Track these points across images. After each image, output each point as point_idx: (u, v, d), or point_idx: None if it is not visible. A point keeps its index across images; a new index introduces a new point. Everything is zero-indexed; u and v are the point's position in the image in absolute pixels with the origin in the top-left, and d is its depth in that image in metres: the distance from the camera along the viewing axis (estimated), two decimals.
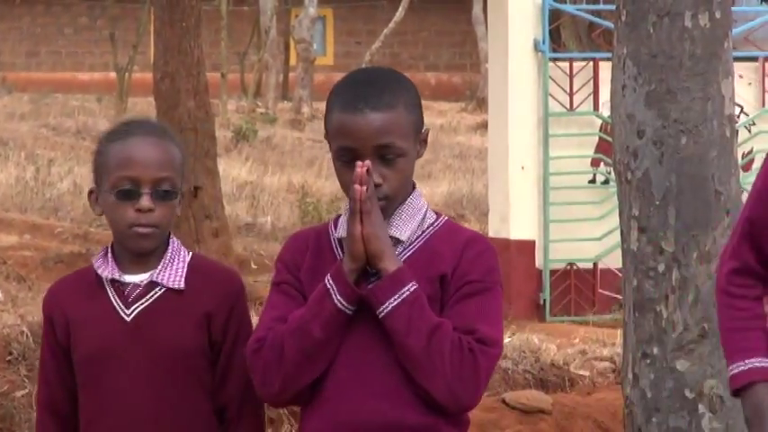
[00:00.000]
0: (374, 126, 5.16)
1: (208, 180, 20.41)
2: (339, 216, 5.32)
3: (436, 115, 43.55)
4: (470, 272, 5.10)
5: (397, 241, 5.19)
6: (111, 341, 5.34)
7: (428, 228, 5.22)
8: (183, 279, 5.39)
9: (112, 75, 45.70)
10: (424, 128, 5.30)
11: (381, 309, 5.03)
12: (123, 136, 5.46)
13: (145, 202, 5.29)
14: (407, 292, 5.02)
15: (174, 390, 5.33)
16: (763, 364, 5.16)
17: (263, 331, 5.23)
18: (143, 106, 33.74)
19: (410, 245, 5.19)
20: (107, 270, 5.39)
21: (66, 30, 57.46)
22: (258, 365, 5.22)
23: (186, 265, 5.43)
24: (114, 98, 43.63)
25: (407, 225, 5.18)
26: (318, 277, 5.16)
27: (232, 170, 27.62)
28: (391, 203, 5.19)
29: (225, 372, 5.36)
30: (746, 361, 5.18)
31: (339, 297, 5.07)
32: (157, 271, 5.38)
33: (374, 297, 5.03)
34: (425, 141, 5.29)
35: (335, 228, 5.28)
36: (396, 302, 5.03)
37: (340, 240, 5.23)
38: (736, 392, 5.20)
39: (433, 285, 5.09)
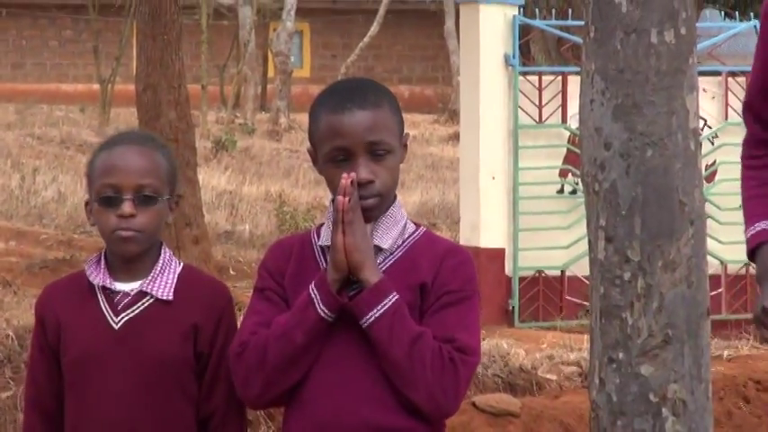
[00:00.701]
0: (364, 123, 5.20)
1: (188, 189, 20.40)
2: (322, 224, 5.35)
3: (409, 126, 43.24)
4: (450, 282, 5.13)
5: (378, 249, 5.21)
6: (98, 347, 5.36)
7: (408, 237, 5.24)
8: (172, 290, 5.40)
9: (96, 86, 45.76)
10: (405, 132, 5.31)
11: (364, 320, 5.05)
12: (109, 146, 5.50)
13: (126, 207, 5.30)
14: (389, 303, 5.04)
15: (157, 398, 5.34)
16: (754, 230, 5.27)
17: (245, 335, 5.25)
18: (125, 117, 33.82)
19: (391, 254, 5.20)
20: (98, 277, 5.40)
21: (50, 42, 57.57)
22: (240, 368, 5.25)
23: (176, 277, 5.44)
24: (97, 109, 43.68)
25: (389, 234, 5.20)
26: (302, 284, 5.18)
27: (212, 179, 27.69)
28: (383, 201, 5.24)
29: (212, 383, 5.37)
30: (756, 225, 5.28)
31: (322, 306, 5.09)
32: (147, 281, 5.40)
33: (357, 308, 5.06)
34: (406, 146, 5.32)
35: (318, 236, 5.30)
36: (378, 313, 5.04)
37: (323, 248, 5.25)
38: (752, 255, 5.40)
39: (413, 293, 5.11)
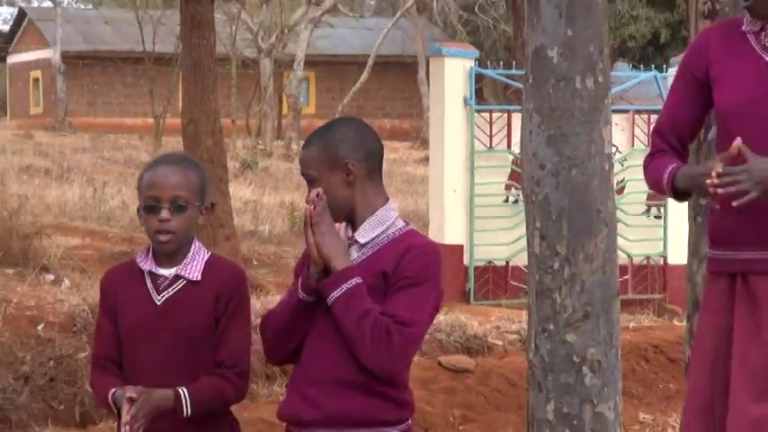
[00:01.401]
0: (300, 159, 5.31)
1: (221, 199, 20.36)
2: None
3: (390, 151, 43.38)
4: (405, 270, 5.05)
5: (358, 243, 5.19)
6: (144, 319, 5.34)
7: (392, 234, 5.19)
8: (200, 273, 5.38)
9: (151, 120, 45.63)
10: (372, 158, 5.29)
11: (328, 299, 5.04)
12: (153, 166, 5.50)
13: (163, 214, 5.32)
14: (348, 286, 5.02)
15: (189, 359, 5.30)
16: (676, 164, 5.13)
17: (267, 313, 5.34)
18: (173, 144, 33.68)
19: (371, 247, 5.17)
20: (146, 264, 5.39)
21: (116, 86, 57.40)
22: (261, 335, 5.29)
23: (204, 263, 5.42)
24: (152, 137, 43.56)
25: (371, 233, 5.15)
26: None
27: (239, 191, 27.56)
28: (339, 211, 5.20)
29: (222, 336, 5.33)
30: (668, 168, 5.17)
31: (300, 290, 5.10)
32: (182, 267, 5.38)
33: (322, 291, 5.05)
34: (376, 170, 5.27)
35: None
36: (337, 294, 5.02)
37: None
38: (676, 193, 5.18)
39: (377, 279, 5.05)
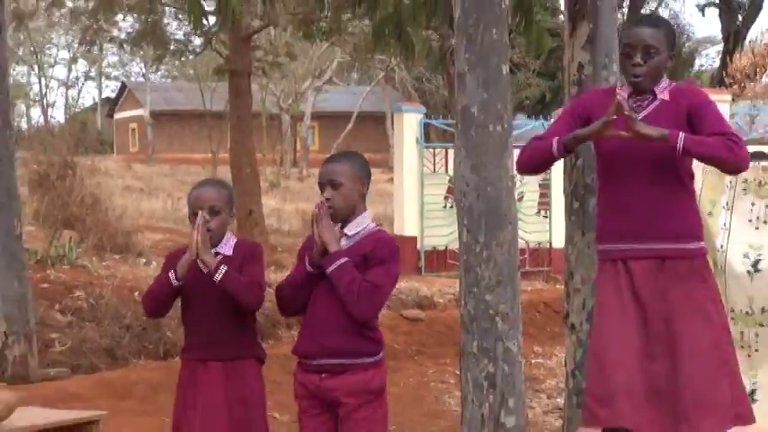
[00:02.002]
0: (329, 169, 5.20)
1: (256, 207, 20.33)
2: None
3: None
4: (378, 253, 5.07)
5: (346, 236, 5.17)
6: (197, 282, 5.31)
7: (368, 231, 5.18)
8: (231, 249, 5.36)
9: (209, 155, 45.54)
10: (365, 179, 5.26)
11: (327, 271, 5.05)
12: (196, 186, 5.51)
13: (205, 215, 5.30)
14: (341, 262, 5.03)
15: (226, 302, 5.30)
16: (555, 139, 5.09)
17: (283, 281, 5.31)
18: (224, 171, 33.63)
19: (353, 239, 5.15)
20: (194, 233, 5.34)
21: (186, 133, 57.29)
22: (276, 297, 5.31)
23: (234, 244, 5.40)
24: (210, 167, 43.50)
25: (354, 229, 5.15)
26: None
27: (268, 201, 27.50)
28: (338, 212, 5.15)
29: (245, 271, 5.31)
30: (554, 140, 5.11)
31: (308, 265, 5.10)
32: (219, 247, 5.35)
33: (323, 265, 5.05)
34: (364, 185, 5.24)
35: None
36: (333, 268, 5.03)
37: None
38: (562, 148, 5.08)
39: (359, 259, 5.04)
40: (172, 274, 5.34)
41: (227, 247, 5.42)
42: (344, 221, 5.22)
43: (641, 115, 5.04)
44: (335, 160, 5.27)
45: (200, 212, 5.31)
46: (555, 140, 5.12)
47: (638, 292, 5.00)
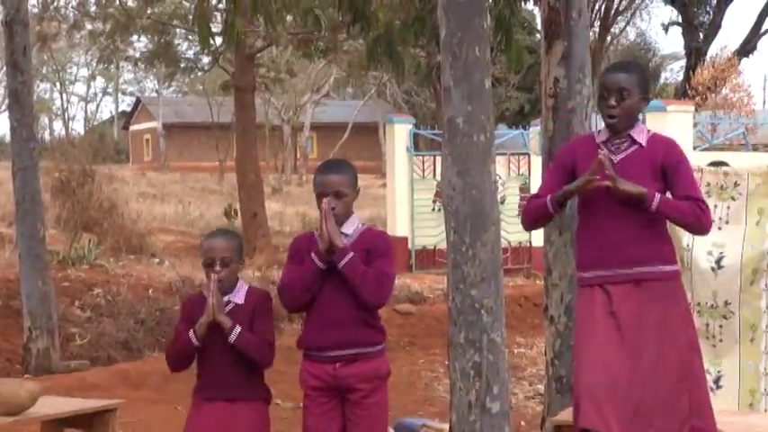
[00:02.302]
0: (333, 180, 5.13)
1: (260, 211, 20.32)
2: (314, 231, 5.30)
3: (363, 180, 43.25)
4: (378, 247, 5.07)
5: (345, 235, 5.14)
6: (209, 330, 5.15)
7: (360, 229, 5.16)
8: (243, 298, 5.23)
9: (217, 163, 45.51)
10: (358, 186, 5.26)
11: (339, 265, 5.00)
12: (208, 237, 5.34)
13: (217, 268, 5.16)
14: (350, 256, 5.00)
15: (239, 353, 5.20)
16: (548, 198, 5.20)
17: (285, 279, 5.22)
18: (230, 179, 33.62)
19: (352, 236, 5.12)
20: (210, 297, 5.17)
21: (195, 143, 57.25)
22: (282, 295, 5.21)
23: (245, 292, 5.28)
24: (218, 174, 43.46)
25: (349, 228, 5.12)
26: (308, 253, 5.15)
27: (271, 205, 27.46)
28: (339, 218, 5.10)
29: (256, 329, 5.15)
30: (548, 197, 5.21)
31: (316, 260, 5.05)
32: (231, 295, 5.22)
33: (335, 259, 5.00)
34: (357, 193, 5.25)
35: (317, 233, 5.23)
36: (345, 261, 4.99)
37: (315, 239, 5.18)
38: (558, 205, 5.20)
39: (364, 254, 5.02)
40: (192, 336, 5.17)
41: (239, 295, 5.27)
42: (339, 225, 5.19)
43: (619, 157, 5.08)
44: (337, 171, 5.21)
45: (213, 276, 5.16)
46: (548, 199, 5.20)
47: (615, 310, 5.01)
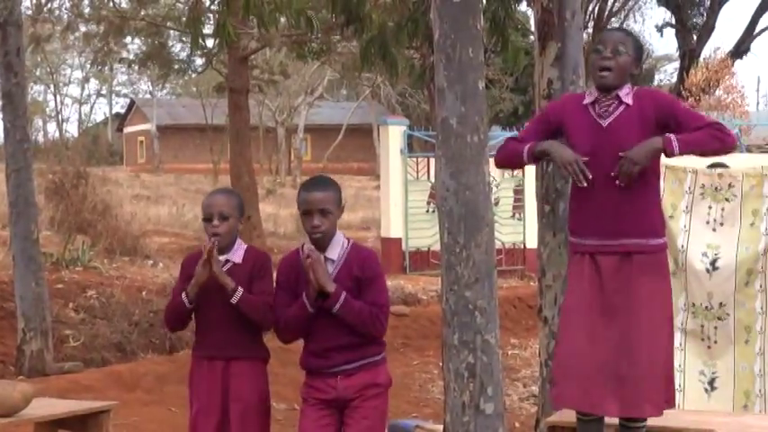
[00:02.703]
0: (318, 198, 5.10)
1: (254, 213, 20.29)
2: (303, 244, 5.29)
3: (356, 182, 43.47)
4: (367, 274, 5.07)
5: (331, 260, 5.11)
6: (207, 289, 5.27)
7: (345, 250, 5.14)
8: (241, 258, 5.31)
9: (211, 165, 45.45)
10: (343, 202, 5.24)
11: (334, 310, 5.00)
12: (208, 195, 5.44)
13: (215, 222, 5.26)
14: (342, 299, 5.00)
15: (234, 309, 5.26)
16: (532, 143, 5.27)
17: (278, 315, 5.22)
18: (224, 180, 33.58)
19: (338, 262, 5.11)
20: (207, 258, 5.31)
21: (189, 145, 57.16)
22: (278, 333, 5.23)
23: (243, 252, 5.36)
24: (212, 176, 43.41)
25: (335, 251, 5.09)
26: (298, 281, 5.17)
27: (266, 208, 27.39)
28: (325, 236, 5.09)
29: (255, 289, 5.22)
30: (527, 146, 5.28)
31: (308, 306, 5.05)
32: (229, 254, 5.31)
33: (327, 306, 5.00)
34: (342, 210, 5.22)
35: (303, 252, 5.22)
36: (338, 307, 5.00)
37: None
38: (533, 158, 5.30)
39: (352, 282, 5.02)
40: (185, 298, 5.28)
41: (237, 254, 5.36)
42: (324, 244, 5.16)
43: (607, 121, 5.07)
44: (321, 189, 5.16)
45: (211, 240, 5.24)
46: (526, 149, 5.28)
47: (604, 285, 5.03)
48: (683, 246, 6.70)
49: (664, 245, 5.13)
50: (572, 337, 5.03)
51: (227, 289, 5.20)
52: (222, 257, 5.32)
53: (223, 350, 5.31)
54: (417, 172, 19.11)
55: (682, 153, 4.97)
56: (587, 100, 5.17)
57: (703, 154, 5.13)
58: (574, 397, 4.98)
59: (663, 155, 4.98)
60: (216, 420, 5.31)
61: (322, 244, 5.13)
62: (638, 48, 5.19)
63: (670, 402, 5.09)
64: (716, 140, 4.96)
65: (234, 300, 5.19)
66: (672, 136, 4.92)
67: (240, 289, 5.19)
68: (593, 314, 5.00)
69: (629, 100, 5.08)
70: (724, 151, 5.09)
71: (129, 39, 25.32)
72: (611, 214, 5.03)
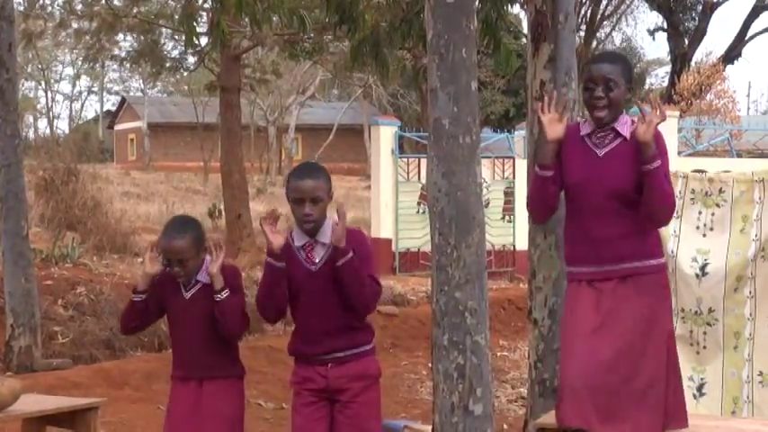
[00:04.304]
0: (309, 186, 5.08)
1: (244, 211, 20.27)
2: (292, 230, 5.25)
3: (347, 182, 43.40)
4: (360, 250, 5.05)
5: (323, 244, 5.10)
6: (179, 308, 5.28)
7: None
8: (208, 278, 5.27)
9: (201, 164, 45.38)
10: (332, 191, 5.20)
11: (338, 263, 4.99)
12: (166, 234, 5.29)
13: (176, 269, 5.24)
14: (350, 255, 5.00)
15: (209, 327, 5.24)
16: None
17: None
18: (214, 180, 33.55)
19: (330, 246, 5.07)
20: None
21: (180, 143, 57.08)
22: (258, 306, 5.19)
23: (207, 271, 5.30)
24: (202, 174, 43.33)
25: (326, 234, 5.06)
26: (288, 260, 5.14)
27: (256, 206, 27.31)
28: (317, 224, 5.08)
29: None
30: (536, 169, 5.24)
31: (271, 260, 5.12)
32: (198, 275, 5.26)
33: (334, 257, 5.00)
34: (332, 196, 5.18)
35: (292, 239, 5.19)
36: (343, 260, 4.99)
37: (297, 247, 5.16)
38: (542, 167, 5.19)
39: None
40: (136, 295, 5.33)
41: (205, 275, 5.31)
42: (316, 229, 5.15)
43: (603, 151, 5.05)
44: (313, 177, 5.12)
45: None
46: (536, 167, 5.22)
47: (602, 306, 5.00)
48: (672, 251, 6.71)
49: (661, 265, 5.09)
50: (573, 357, 4.98)
51: (216, 286, 5.19)
52: (192, 280, 5.31)
53: (196, 370, 5.30)
54: (408, 173, 19.11)
55: (650, 173, 4.90)
56: (584, 131, 5.14)
57: (652, 199, 4.97)
58: (576, 416, 4.93)
59: (642, 156, 4.93)
60: None
61: (313, 231, 5.13)
62: (628, 70, 5.13)
63: (674, 422, 5.02)
64: (665, 209, 5.00)
65: (219, 297, 5.18)
66: (661, 164, 4.93)
67: (227, 290, 5.20)
68: (595, 333, 4.96)
69: (625, 132, 5.05)
70: (661, 217, 5.05)
71: (121, 36, 25.31)
72: (606, 240, 5.00)
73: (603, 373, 4.90)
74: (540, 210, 5.35)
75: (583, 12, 32.17)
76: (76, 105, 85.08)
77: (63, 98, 79.38)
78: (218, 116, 24.77)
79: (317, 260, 5.13)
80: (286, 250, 5.13)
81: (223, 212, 21.07)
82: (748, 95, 78.43)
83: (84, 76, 72.18)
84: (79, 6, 21.77)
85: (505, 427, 9.29)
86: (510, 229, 19.81)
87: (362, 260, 5.08)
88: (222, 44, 16.50)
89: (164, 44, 26.32)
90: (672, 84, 33.77)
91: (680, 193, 6.74)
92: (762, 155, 25.51)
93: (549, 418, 5.38)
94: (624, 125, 5.08)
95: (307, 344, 5.16)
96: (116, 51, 26.65)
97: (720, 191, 6.71)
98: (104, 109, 75.68)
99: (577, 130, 5.20)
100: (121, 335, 5.60)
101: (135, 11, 21.68)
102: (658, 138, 5.03)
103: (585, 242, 5.08)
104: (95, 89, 76.69)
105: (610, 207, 4.99)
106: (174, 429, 5.33)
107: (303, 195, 5.07)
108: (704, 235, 6.70)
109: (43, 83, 68.21)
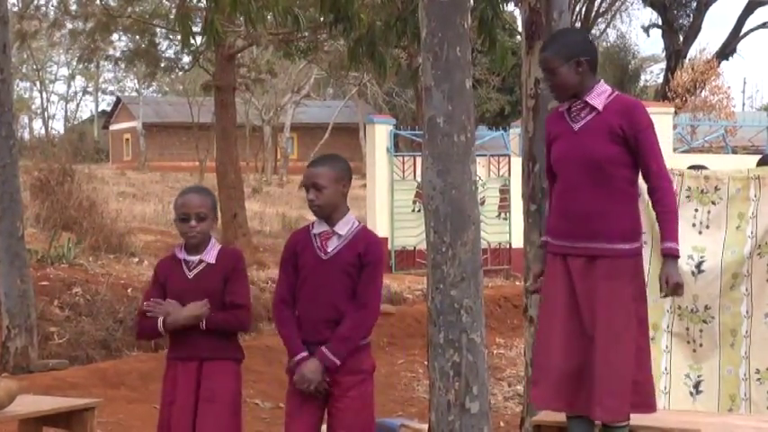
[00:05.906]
0: (311, 173, 5.14)
1: (240, 211, 20.24)
2: (313, 222, 5.27)
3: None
4: (369, 255, 5.05)
5: (338, 235, 5.11)
6: (182, 289, 5.29)
7: (354, 229, 5.13)
8: (215, 258, 5.32)
9: (197, 163, 45.39)
10: (344, 180, 5.19)
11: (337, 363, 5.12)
12: (182, 194, 5.44)
13: (193, 223, 5.29)
14: (332, 357, 5.09)
15: (214, 312, 5.27)
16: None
17: (277, 295, 5.28)
18: (210, 178, 33.52)
19: (346, 239, 5.10)
20: (181, 254, 5.34)
21: (176, 143, 57.09)
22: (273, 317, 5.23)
23: (217, 252, 5.37)
24: (197, 174, 43.32)
25: (343, 228, 5.09)
26: (303, 255, 5.17)
27: (252, 206, 27.37)
28: (322, 209, 5.12)
29: (229, 291, 5.26)
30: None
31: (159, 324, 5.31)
32: (203, 255, 5.32)
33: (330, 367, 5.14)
34: (344, 185, 5.18)
35: (312, 227, 5.23)
36: (336, 358, 5.09)
37: (315, 235, 5.18)
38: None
39: (356, 259, 5.03)
40: (161, 326, 5.32)
41: (211, 254, 5.38)
42: (331, 219, 5.17)
43: (578, 125, 5.04)
44: (318, 164, 5.20)
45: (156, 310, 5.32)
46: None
47: (574, 287, 5.01)
48: None
49: (631, 251, 5.04)
50: (547, 340, 5.02)
51: (198, 321, 5.28)
52: (196, 257, 5.37)
53: (196, 352, 5.33)
54: (404, 171, 19.13)
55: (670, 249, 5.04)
56: (563, 107, 5.16)
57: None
58: (549, 398, 4.98)
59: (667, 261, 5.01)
60: (189, 420, 5.30)
61: (321, 216, 5.18)
62: (564, 47, 5.05)
63: (641, 407, 5.05)
64: (672, 203, 5.09)
65: (203, 326, 5.26)
66: (668, 244, 5.01)
67: (204, 316, 5.28)
68: (566, 316, 4.99)
69: (597, 104, 5.02)
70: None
71: (115, 36, 25.27)
72: (580, 217, 5.00)
73: (573, 357, 4.93)
74: None
75: (577, 9, 32.18)
76: (71, 106, 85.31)
77: (58, 98, 79.39)
78: (213, 116, 24.76)
79: (329, 249, 5.15)
80: (303, 237, 5.23)
81: (219, 212, 21.08)
82: (743, 92, 78.76)
83: (79, 77, 72.30)
84: (74, 6, 21.77)
85: (502, 424, 9.28)
86: (505, 227, 19.82)
87: (367, 265, 5.13)
88: (217, 44, 16.48)
89: (159, 44, 26.31)
90: (666, 80, 33.80)
91: (676, 190, 6.73)
92: (757, 151, 25.51)
93: (545, 416, 5.38)
94: (600, 95, 5.04)
95: (305, 332, 5.16)
96: (111, 51, 26.62)
97: (716, 188, 6.70)
98: (99, 109, 75.77)
99: (560, 107, 5.20)
100: (136, 339, 5.63)
101: (129, 11, 21.66)
102: (641, 112, 5.05)
103: (563, 216, 5.08)
104: (90, 89, 76.75)
105: (585, 182, 4.98)
106: (173, 409, 5.34)
107: (307, 182, 5.18)
108: (700, 232, 6.68)
109: (38, 83, 68.24)
